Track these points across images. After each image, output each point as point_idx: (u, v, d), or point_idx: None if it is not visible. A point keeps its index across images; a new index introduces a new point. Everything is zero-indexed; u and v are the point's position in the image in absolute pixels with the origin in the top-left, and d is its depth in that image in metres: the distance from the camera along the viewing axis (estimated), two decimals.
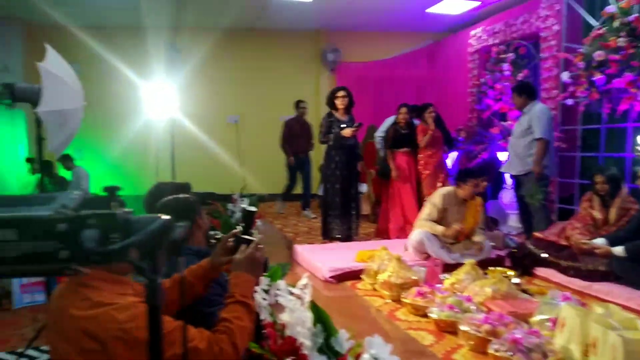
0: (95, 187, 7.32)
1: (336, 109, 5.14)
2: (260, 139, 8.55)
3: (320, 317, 1.84)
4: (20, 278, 2.91)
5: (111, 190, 0.61)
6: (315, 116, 7.77)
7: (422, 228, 4.21)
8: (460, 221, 4.22)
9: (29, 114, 7.23)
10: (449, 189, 4.38)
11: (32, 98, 2.54)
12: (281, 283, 2.15)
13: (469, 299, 2.99)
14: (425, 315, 3.05)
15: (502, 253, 4.40)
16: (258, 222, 4.73)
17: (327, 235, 5.20)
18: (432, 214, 4.24)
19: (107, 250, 0.56)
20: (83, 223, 0.55)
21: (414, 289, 3.25)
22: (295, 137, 7.02)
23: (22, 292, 3.70)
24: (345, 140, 5.04)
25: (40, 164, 2.88)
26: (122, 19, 7.76)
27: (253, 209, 1.78)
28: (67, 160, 6.56)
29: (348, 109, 5.17)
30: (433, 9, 7.37)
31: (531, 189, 4.55)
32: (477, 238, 4.23)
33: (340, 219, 5.12)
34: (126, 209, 0.60)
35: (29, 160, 6.97)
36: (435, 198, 4.30)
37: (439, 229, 4.17)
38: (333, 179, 5.10)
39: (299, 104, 7.21)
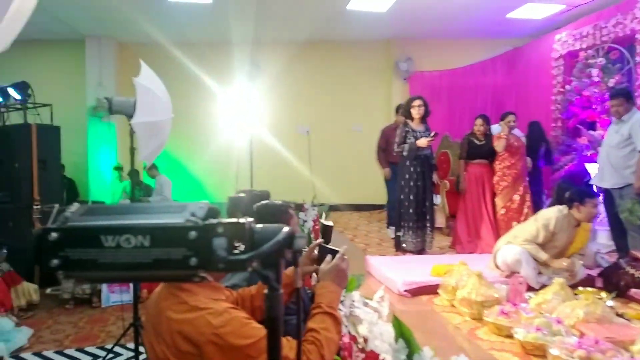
0: (177, 195, 7.71)
1: (412, 118, 5.05)
2: (331, 149, 8.62)
3: (402, 332, 1.78)
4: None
5: (235, 201, 0.61)
6: None
7: (524, 248, 3.82)
8: (569, 245, 3.86)
9: (119, 125, 7.87)
10: (564, 210, 3.83)
11: (127, 110, 2.71)
12: (356, 294, 2.11)
13: (559, 321, 2.79)
14: (509, 336, 2.88)
15: (593, 272, 4.07)
16: None
17: (400, 247, 5.09)
18: (538, 237, 3.79)
19: (236, 259, 0.57)
20: (212, 231, 0.56)
21: (497, 308, 3.09)
22: (392, 145, 5.99)
23: (110, 291, 3.97)
24: (420, 150, 4.93)
25: (131, 172, 3.07)
26: (206, 35, 8.17)
27: (330, 223, 1.76)
28: (152, 169, 6.96)
29: (423, 119, 5.06)
30: (514, 14, 7.06)
31: (629, 205, 4.18)
32: (574, 266, 3.84)
33: (414, 231, 5.00)
34: (249, 219, 0.61)
35: (116, 168, 7.50)
36: (548, 220, 3.81)
37: (544, 256, 3.78)
38: (407, 190, 4.99)
39: (399, 110, 6.35)
